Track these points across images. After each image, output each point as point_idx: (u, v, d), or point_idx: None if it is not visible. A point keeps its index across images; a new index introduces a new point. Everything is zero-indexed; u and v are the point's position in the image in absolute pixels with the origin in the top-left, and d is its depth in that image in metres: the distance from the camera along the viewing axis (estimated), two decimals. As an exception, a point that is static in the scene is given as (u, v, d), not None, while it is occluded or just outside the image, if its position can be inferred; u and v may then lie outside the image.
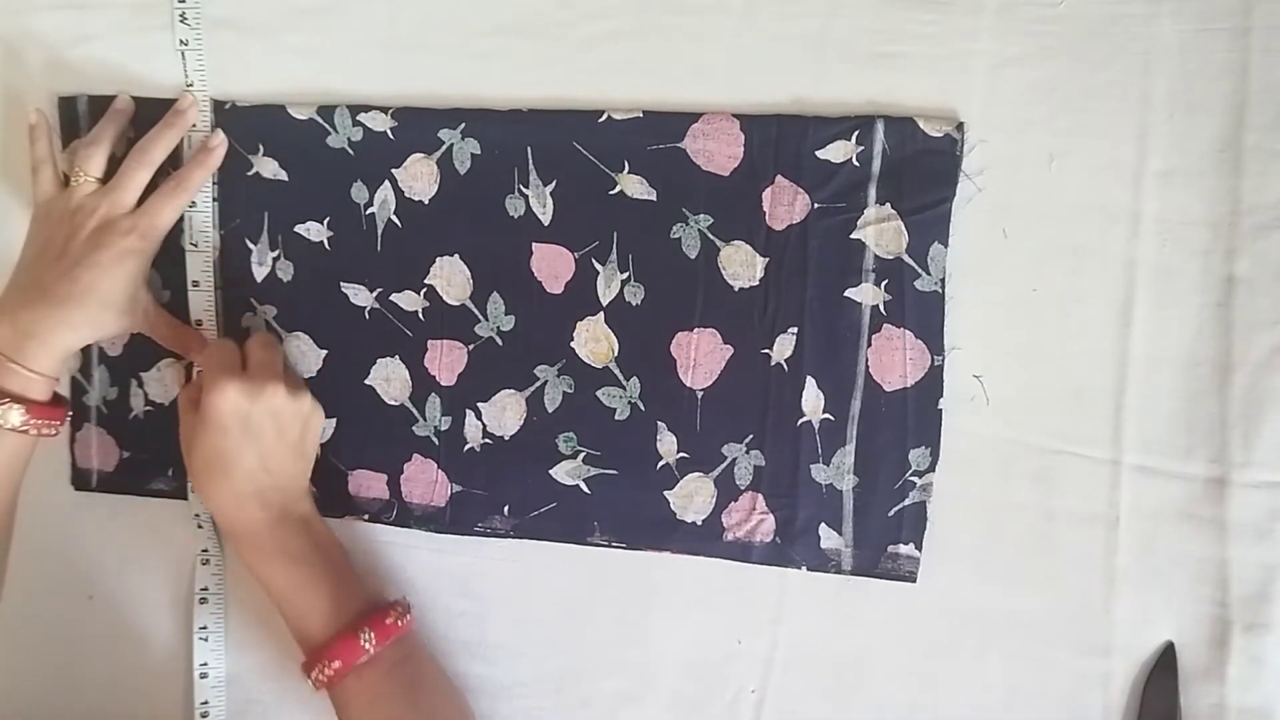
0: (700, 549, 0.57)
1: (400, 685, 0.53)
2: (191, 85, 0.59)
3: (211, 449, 0.53)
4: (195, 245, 0.59)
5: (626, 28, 0.56)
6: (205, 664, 0.61)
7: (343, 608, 0.53)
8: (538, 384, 0.58)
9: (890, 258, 0.54)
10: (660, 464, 0.57)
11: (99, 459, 0.63)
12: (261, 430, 0.53)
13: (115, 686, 0.64)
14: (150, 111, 0.59)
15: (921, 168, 0.53)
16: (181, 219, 0.58)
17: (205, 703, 0.61)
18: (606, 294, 0.57)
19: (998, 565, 0.55)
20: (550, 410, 0.58)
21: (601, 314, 0.57)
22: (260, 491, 0.53)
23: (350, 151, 0.58)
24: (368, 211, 0.59)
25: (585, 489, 0.58)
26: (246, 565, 0.54)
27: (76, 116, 0.60)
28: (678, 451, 0.57)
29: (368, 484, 0.60)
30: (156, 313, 0.59)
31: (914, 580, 0.55)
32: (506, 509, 0.59)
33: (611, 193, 0.56)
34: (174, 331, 0.59)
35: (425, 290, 0.59)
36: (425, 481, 0.59)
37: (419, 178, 0.58)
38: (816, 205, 0.55)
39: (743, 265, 0.56)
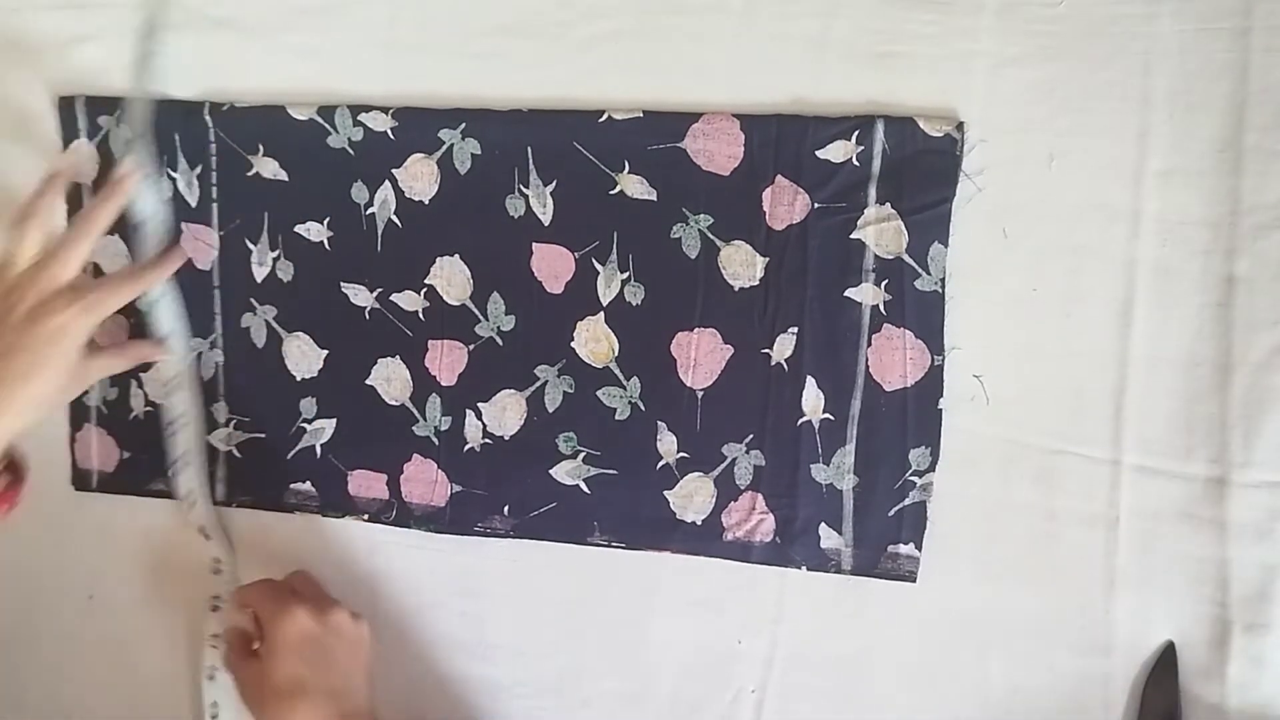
0: (700, 549, 0.57)
1: None
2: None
3: (288, 676, 0.52)
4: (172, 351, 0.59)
5: (626, 28, 0.56)
6: (214, 665, 0.61)
7: None
8: (538, 384, 0.58)
9: (890, 257, 0.54)
10: (660, 464, 0.57)
11: (99, 459, 0.63)
12: (334, 653, 0.53)
13: (115, 687, 0.64)
14: (154, 112, 0.59)
15: (921, 167, 0.53)
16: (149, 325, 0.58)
17: (215, 704, 0.61)
18: (607, 294, 0.57)
19: (998, 565, 0.55)
20: (550, 410, 0.58)
21: (602, 314, 0.57)
22: (344, 714, 0.52)
23: (350, 151, 0.58)
24: (368, 211, 0.59)
25: (585, 489, 0.58)
26: None
27: (75, 116, 0.60)
28: (678, 451, 0.57)
29: (368, 484, 0.60)
30: (109, 356, 0.57)
31: (914, 580, 0.55)
32: (506, 509, 0.59)
33: (612, 193, 0.56)
34: (128, 355, 0.58)
35: (425, 290, 0.59)
36: (425, 481, 0.59)
37: (419, 178, 0.58)
38: (816, 205, 0.55)
39: (743, 265, 0.56)
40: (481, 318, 0.58)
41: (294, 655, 0.52)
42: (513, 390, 0.58)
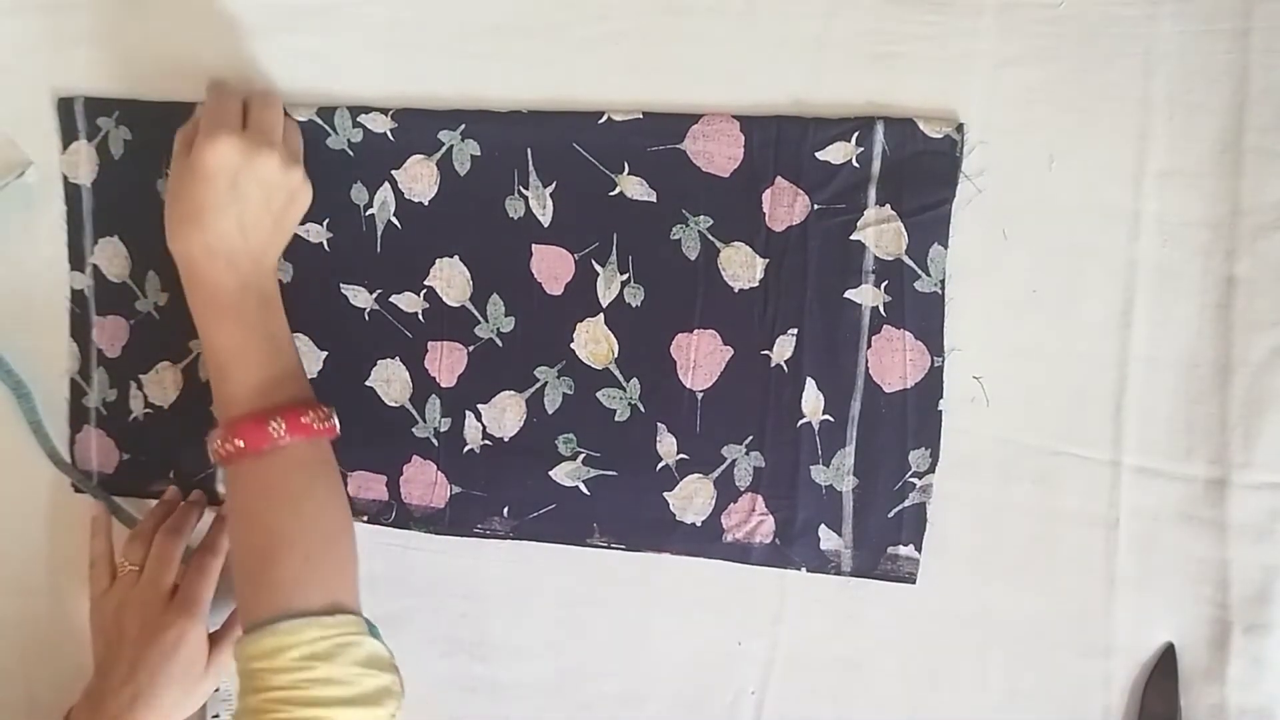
0: (700, 550, 0.57)
1: (292, 486, 0.52)
2: None
3: (193, 200, 0.51)
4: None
5: (626, 28, 0.56)
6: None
7: (269, 391, 0.52)
8: (537, 385, 0.58)
9: (890, 259, 0.54)
10: (660, 465, 0.57)
11: (99, 461, 0.62)
12: (247, 193, 0.52)
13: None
14: (152, 114, 0.59)
15: (921, 169, 0.53)
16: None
17: (216, 717, 0.61)
18: (606, 295, 0.57)
19: (998, 565, 0.55)
20: (550, 411, 0.58)
21: (601, 315, 0.57)
22: (232, 253, 0.52)
23: (350, 153, 0.58)
24: (367, 213, 0.59)
25: (585, 490, 0.58)
26: (195, 317, 0.53)
27: (74, 116, 0.60)
28: (677, 453, 0.57)
29: (367, 485, 0.60)
30: (221, 649, 0.59)
31: (913, 582, 0.55)
32: (506, 510, 0.59)
33: (611, 194, 0.56)
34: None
35: (425, 291, 0.59)
36: (424, 483, 0.59)
37: (419, 179, 0.58)
38: (816, 206, 0.55)
39: (742, 266, 0.56)
40: (481, 319, 0.58)
41: (204, 183, 0.51)
42: (512, 392, 0.58)
